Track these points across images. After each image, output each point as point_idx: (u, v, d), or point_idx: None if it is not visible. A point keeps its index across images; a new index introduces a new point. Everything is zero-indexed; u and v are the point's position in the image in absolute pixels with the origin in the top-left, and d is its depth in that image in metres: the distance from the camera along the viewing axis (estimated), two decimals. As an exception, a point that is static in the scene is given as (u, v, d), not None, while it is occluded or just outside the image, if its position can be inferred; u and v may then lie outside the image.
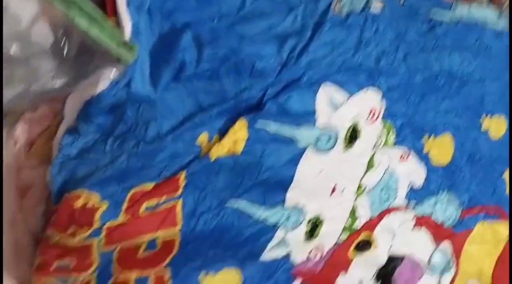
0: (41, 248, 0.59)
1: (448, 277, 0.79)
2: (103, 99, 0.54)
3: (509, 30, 0.93)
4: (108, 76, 0.55)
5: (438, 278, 0.79)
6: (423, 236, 0.83)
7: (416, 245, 0.80)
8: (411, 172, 0.85)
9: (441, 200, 0.84)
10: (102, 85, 0.53)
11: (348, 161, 0.74)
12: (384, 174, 0.82)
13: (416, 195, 0.85)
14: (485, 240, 0.82)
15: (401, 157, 0.84)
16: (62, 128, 0.57)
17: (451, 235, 0.81)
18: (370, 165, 0.80)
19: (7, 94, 0.47)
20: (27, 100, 0.52)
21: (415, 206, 0.85)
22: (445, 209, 0.83)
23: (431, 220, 0.85)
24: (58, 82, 0.50)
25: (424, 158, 0.86)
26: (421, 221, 0.84)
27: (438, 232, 0.82)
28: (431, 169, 0.87)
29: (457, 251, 0.79)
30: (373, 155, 0.80)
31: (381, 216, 0.83)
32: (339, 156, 0.72)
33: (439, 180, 0.85)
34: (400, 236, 0.83)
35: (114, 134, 0.58)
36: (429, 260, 0.81)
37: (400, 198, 0.84)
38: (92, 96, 0.54)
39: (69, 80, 0.51)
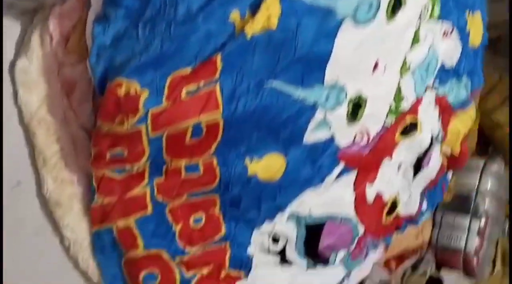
0: (94, 140, 0.62)
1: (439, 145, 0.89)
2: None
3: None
4: None
5: (439, 147, 0.88)
6: (436, 115, 0.85)
7: (433, 123, 0.84)
8: (449, 51, 0.81)
9: (461, 83, 0.84)
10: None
11: (391, 35, 0.69)
12: (429, 50, 0.78)
13: (442, 74, 0.82)
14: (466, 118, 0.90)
15: (444, 33, 0.79)
16: (91, 17, 0.57)
17: (450, 112, 0.86)
18: (415, 39, 0.74)
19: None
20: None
21: (438, 85, 0.82)
22: (458, 92, 0.84)
23: (444, 100, 0.84)
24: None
25: (465, 37, 0.82)
26: (438, 101, 0.84)
27: (445, 112, 0.85)
28: (465, 49, 0.84)
29: (445, 124, 0.87)
30: (419, 28, 0.74)
31: (421, 97, 0.80)
32: (381, 28, 0.67)
33: (468, 62, 0.84)
34: (430, 117, 0.84)
35: (143, 19, 0.57)
36: (437, 136, 0.86)
37: (433, 77, 0.81)
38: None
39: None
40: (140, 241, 0.67)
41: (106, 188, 0.65)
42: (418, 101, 0.80)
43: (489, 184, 1.31)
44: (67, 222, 0.66)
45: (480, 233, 1.27)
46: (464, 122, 0.92)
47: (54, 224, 0.67)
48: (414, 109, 0.80)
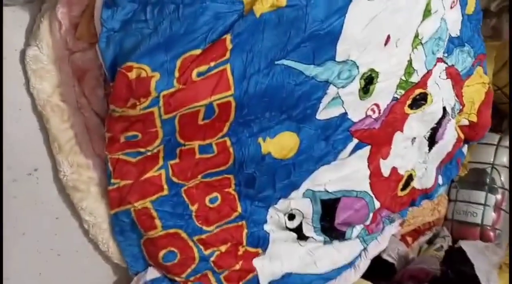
0: (107, 124, 0.63)
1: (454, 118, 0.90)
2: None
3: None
4: None
5: (454, 120, 0.90)
6: (449, 87, 0.85)
7: (448, 95, 0.85)
8: (454, 21, 0.81)
9: (464, 51, 0.85)
10: None
11: (403, 8, 0.68)
12: (441, 22, 0.76)
13: (449, 45, 0.83)
14: (475, 81, 0.92)
15: (452, 3, 0.77)
16: (99, 2, 0.56)
17: (460, 81, 0.87)
18: (426, 12, 0.73)
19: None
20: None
21: (447, 56, 0.81)
22: (465, 59, 0.85)
23: (454, 70, 0.85)
24: None
25: (464, 6, 0.82)
26: (449, 71, 0.84)
27: (456, 82, 0.86)
28: (464, 18, 0.85)
29: (460, 95, 0.88)
30: (430, 1, 0.72)
31: (431, 70, 0.79)
32: (392, 2, 0.66)
33: (466, 30, 0.86)
34: (443, 88, 0.83)
35: (151, 1, 0.56)
36: (453, 108, 0.87)
37: (443, 48, 0.81)
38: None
39: None
40: (158, 222, 0.69)
41: (122, 171, 0.66)
42: (429, 74, 0.80)
43: (504, 158, 1.29)
44: (85, 205, 0.67)
45: (497, 207, 1.26)
46: (477, 90, 0.93)
47: (72, 208, 0.69)
48: (423, 82, 0.79)
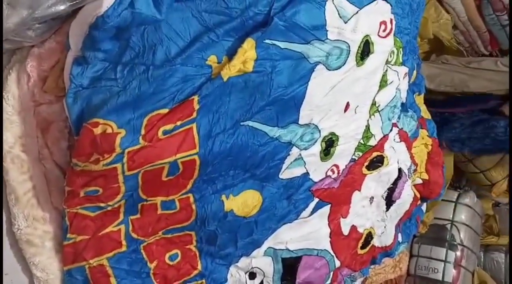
0: (68, 178, 0.62)
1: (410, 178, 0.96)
2: (108, 20, 0.53)
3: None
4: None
5: (410, 180, 0.96)
6: (404, 149, 0.92)
7: (403, 157, 0.92)
8: (404, 89, 0.88)
9: (408, 115, 0.93)
10: (107, 2, 0.52)
11: (361, 79, 0.73)
12: (396, 92, 0.82)
13: (399, 111, 0.89)
14: (420, 142, 1.00)
15: (404, 74, 0.84)
16: (70, 58, 0.57)
17: (410, 143, 0.95)
18: (383, 82, 0.79)
19: (12, 20, 0.47)
20: (31, 26, 0.51)
21: (398, 120, 0.87)
22: (409, 122, 0.93)
23: (403, 132, 0.92)
24: (62, 6, 0.50)
25: (411, 74, 0.90)
26: (401, 134, 0.91)
27: (407, 143, 0.93)
28: (410, 85, 0.92)
29: (412, 155, 0.96)
30: (386, 72, 0.78)
31: (387, 135, 0.85)
32: (351, 73, 0.71)
33: (410, 96, 0.94)
34: (398, 151, 0.89)
35: (122, 61, 0.58)
36: (409, 168, 0.94)
37: (397, 115, 0.87)
38: (97, 17, 0.53)
39: (72, 2, 0.50)
40: (113, 280, 0.66)
41: (79, 226, 0.64)
42: (385, 138, 0.85)
43: (463, 215, 1.34)
44: (38, 261, 0.64)
45: (457, 264, 1.29)
46: (421, 150, 1.00)
47: (24, 263, 0.66)
48: (380, 146, 0.85)
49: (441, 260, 1.34)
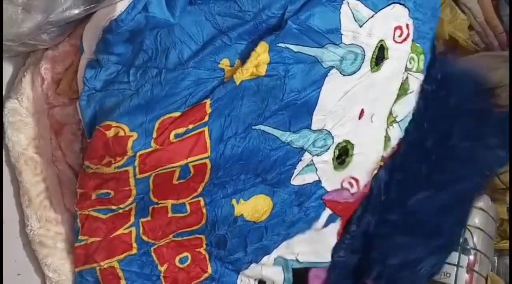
0: (80, 180, 0.62)
1: None
2: (122, 24, 0.53)
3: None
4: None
5: None
6: None
7: None
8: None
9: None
10: (121, 5, 0.52)
11: (376, 85, 0.71)
12: (416, 103, 0.79)
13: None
14: None
15: (421, 84, 0.80)
16: (83, 61, 0.58)
17: None
18: (402, 91, 0.76)
19: (27, 25, 0.47)
20: (46, 30, 0.51)
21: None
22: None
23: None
24: (76, 10, 0.50)
25: None
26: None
27: None
28: None
29: None
30: (406, 79, 0.76)
31: None
32: (366, 79, 0.69)
33: None
34: None
35: (135, 64, 0.58)
36: None
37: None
38: (111, 20, 0.53)
39: (87, 6, 0.50)
40: (123, 282, 0.66)
41: (91, 228, 0.64)
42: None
43: (477, 219, 1.32)
44: (50, 262, 0.65)
45: (470, 268, 1.27)
46: None
47: (36, 264, 0.66)
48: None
49: (454, 264, 1.31)
